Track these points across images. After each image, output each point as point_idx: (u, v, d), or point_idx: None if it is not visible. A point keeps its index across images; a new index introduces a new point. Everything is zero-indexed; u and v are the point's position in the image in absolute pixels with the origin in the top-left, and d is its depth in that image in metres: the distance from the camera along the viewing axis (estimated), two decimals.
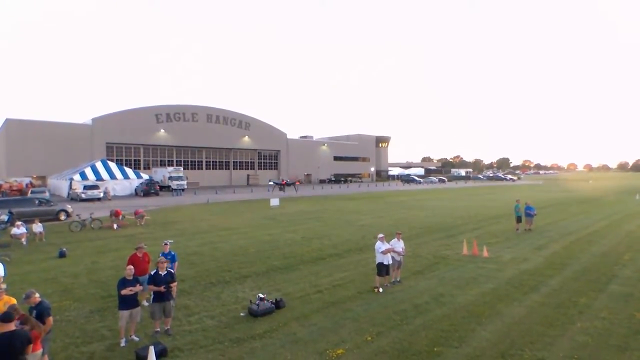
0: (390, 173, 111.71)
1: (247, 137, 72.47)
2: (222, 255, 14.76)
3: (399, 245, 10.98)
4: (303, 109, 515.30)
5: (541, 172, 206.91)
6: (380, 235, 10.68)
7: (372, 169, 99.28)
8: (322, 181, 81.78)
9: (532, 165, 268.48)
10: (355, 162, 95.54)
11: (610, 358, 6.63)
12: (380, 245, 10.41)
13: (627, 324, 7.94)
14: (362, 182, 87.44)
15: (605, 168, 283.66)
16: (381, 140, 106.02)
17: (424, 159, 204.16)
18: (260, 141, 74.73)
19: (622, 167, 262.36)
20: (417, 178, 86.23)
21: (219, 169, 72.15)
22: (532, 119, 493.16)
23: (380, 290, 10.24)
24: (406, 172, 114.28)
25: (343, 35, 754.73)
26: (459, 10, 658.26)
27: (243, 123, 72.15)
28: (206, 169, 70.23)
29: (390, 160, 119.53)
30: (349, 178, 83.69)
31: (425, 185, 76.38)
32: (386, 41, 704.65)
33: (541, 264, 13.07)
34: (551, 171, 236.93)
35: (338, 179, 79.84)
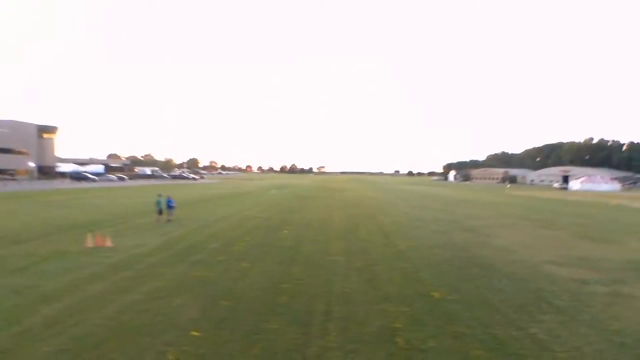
0: (62, 170, 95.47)
1: None
2: None
3: None
4: None
5: (223, 172, 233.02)
6: None
7: (32, 164, 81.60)
8: None
9: (218, 166, 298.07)
10: (6, 154, 75.72)
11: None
12: None
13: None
14: (15, 179, 70.31)
15: (271, 170, 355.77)
16: (45, 131, 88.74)
17: (110, 156, 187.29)
18: None
19: (283, 169, 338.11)
20: (91, 176, 77.84)
21: None
22: (220, 124, 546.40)
23: None
24: (82, 169, 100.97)
25: None
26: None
27: None
28: None
29: (70, 155, 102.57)
30: None
31: (101, 183, 70.21)
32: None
33: (156, 246, 15.13)
34: (232, 172, 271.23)
35: None
